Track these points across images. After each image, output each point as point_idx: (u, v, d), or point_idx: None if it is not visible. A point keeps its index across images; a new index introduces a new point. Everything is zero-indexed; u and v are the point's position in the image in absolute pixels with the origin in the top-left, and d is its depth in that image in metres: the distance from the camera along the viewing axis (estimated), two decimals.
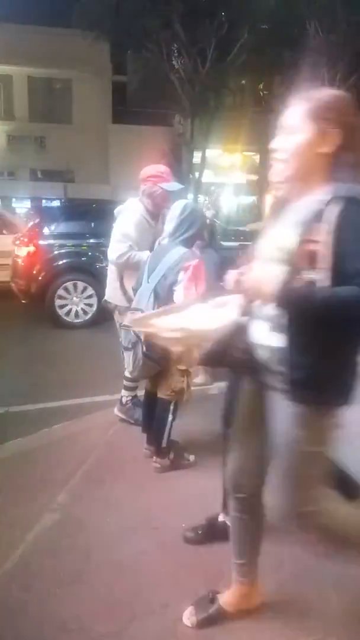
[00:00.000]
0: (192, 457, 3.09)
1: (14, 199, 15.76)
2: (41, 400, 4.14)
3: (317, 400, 1.49)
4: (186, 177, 15.96)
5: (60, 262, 6.98)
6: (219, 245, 7.40)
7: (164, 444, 2.99)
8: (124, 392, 3.62)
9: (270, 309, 1.49)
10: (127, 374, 3.49)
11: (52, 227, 7.15)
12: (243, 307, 1.59)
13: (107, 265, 3.70)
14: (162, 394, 2.95)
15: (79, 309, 6.95)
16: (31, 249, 6.99)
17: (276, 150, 1.59)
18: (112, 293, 3.53)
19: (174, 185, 3.47)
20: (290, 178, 1.58)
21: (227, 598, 1.93)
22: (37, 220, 7.35)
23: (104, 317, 5.18)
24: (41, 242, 7.04)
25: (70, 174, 20.03)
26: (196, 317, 1.57)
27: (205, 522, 2.41)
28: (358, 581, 2.06)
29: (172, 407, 2.96)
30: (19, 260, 7.12)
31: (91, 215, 7.40)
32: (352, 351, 1.50)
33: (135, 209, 3.43)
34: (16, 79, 20.57)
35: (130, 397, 3.62)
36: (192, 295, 2.63)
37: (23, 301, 7.06)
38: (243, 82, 19.06)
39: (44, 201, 10.20)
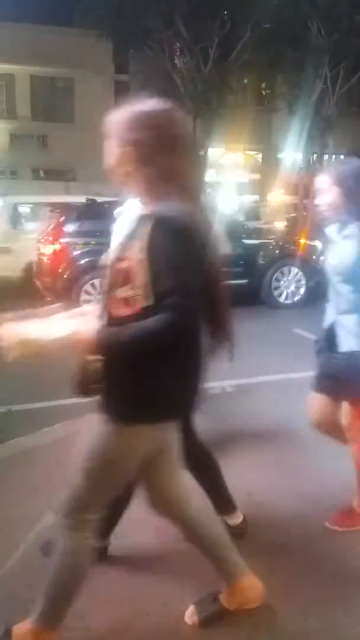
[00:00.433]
0: None
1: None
2: (43, 399, 4.14)
3: (121, 417, 1.55)
4: None
5: (86, 260, 7.01)
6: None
7: None
8: None
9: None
10: None
11: (77, 225, 7.24)
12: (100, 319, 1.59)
13: None
14: None
15: None
16: (57, 246, 7.13)
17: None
18: None
19: None
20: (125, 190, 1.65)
21: (227, 597, 1.93)
22: (61, 219, 7.44)
23: None
24: (66, 240, 7.14)
25: (72, 173, 20.03)
26: (43, 326, 1.57)
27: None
28: None
29: None
30: (44, 258, 7.27)
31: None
32: (164, 372, 1.51)
33: (136, 210, 3.41)
34: (18, 78, 20.60)
35: None
36: None
37: (48, 299, 7.08)
38: (245, 81, 19.05)
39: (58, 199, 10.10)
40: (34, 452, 3.20)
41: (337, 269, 2.23)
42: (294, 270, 7.98)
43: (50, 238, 7.31)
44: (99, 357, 1.55)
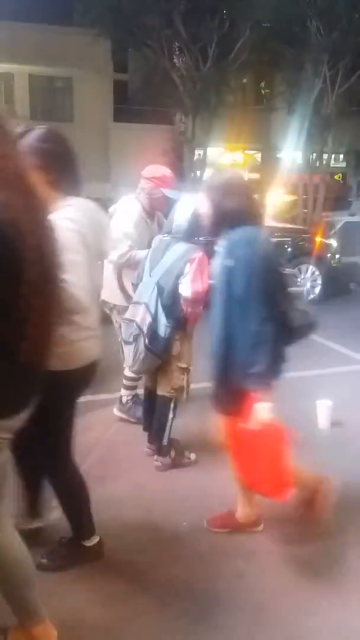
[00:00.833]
0: (192, 456, 3.09)
1: None
2: None
3: None
4: (187, 176, 15.94)
5: None
6: None
7: (164, 442, 2.99)
8: (123, 392, 3.62)
9: None
10: (126, 372, 3.49)
11: None
12: None
13: None
14: (162, 391, 2.96)
15: None
16: None
17: None
18: (111, 293, 3.47)
19: (175, 194, 3.38)
20: None
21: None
22: None
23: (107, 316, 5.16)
24: None
25: None
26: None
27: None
28: None
29: (172, 405, 2.96)
30: None
31: None
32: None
33: (134, 209, 3.40)
34: (17, 77, 20.56)
35: (130, 397, 3.62)
36: (199, 287, 2.73)
37: None
38: (244, 80, 19.00)
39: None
40: None
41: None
42: (311, 268, 7.82)
43: None
44: None
